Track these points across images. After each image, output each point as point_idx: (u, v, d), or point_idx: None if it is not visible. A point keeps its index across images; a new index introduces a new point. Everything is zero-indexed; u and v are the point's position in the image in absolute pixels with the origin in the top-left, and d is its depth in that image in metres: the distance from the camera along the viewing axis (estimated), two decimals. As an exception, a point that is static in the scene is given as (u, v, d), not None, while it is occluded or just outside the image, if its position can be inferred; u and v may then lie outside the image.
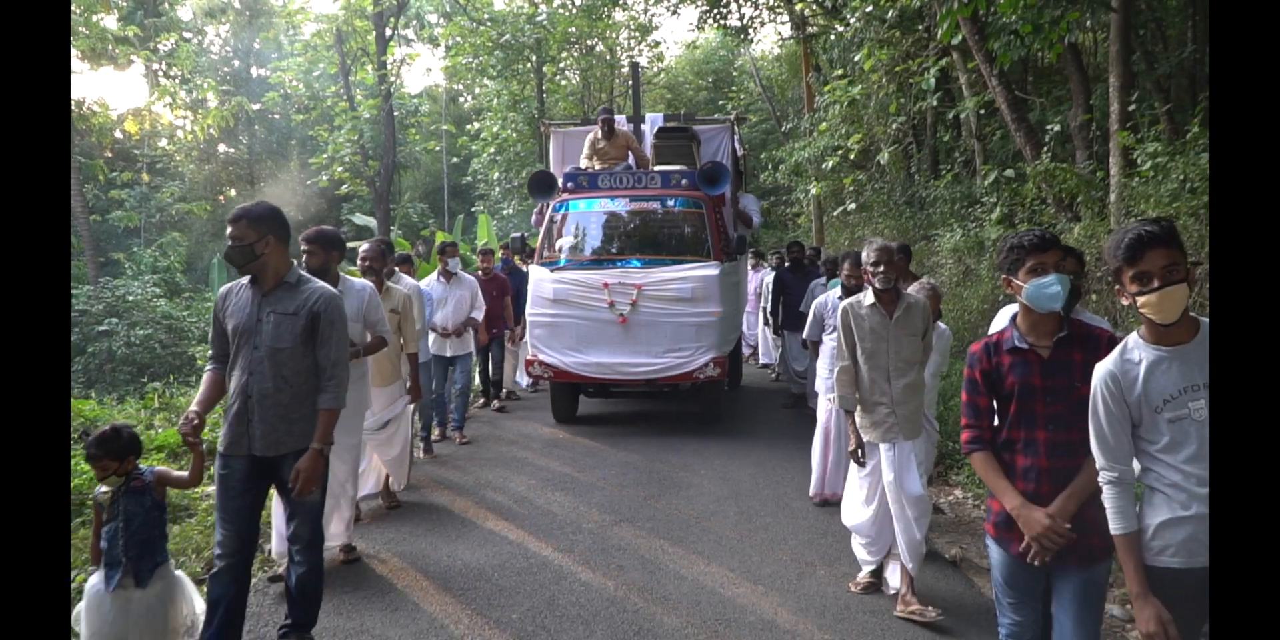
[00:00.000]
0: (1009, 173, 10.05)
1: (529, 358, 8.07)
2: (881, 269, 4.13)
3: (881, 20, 12.79)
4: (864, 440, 4.25)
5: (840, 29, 14.99)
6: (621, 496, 6.04)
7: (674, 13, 21.74)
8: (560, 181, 8.67)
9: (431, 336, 7.59)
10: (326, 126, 21.86)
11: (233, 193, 32.91)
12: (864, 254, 4.23)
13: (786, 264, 10.05)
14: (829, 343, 5.78)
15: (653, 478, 6.54)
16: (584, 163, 9.23)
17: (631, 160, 9.24)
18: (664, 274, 7.77)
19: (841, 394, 4.34)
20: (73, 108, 17.32)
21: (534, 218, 9.86)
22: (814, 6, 17.29)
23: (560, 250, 8.40)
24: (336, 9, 19.71)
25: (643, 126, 10.17)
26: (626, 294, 7.65)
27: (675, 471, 6.71)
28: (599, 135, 9.18)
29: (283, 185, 31.59)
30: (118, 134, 26.14)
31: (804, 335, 6.46)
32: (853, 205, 15.28)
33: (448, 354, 7.69)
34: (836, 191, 16.00)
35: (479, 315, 7.93)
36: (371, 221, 23.41)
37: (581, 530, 5.31)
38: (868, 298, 4.25)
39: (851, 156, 14.61)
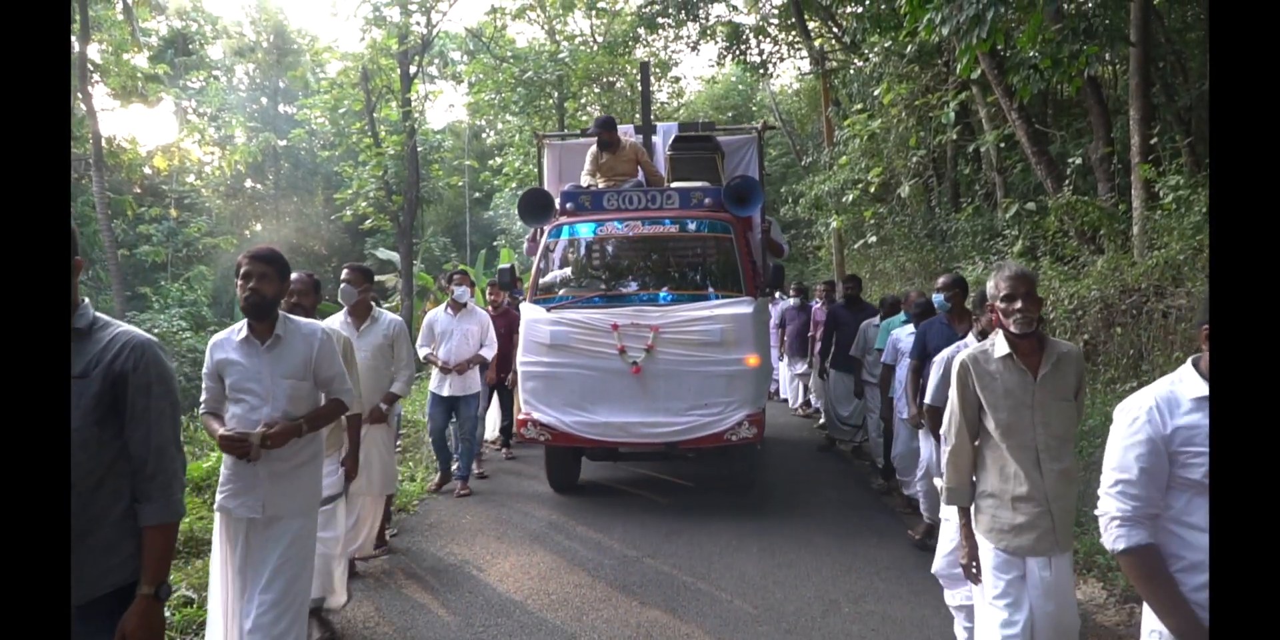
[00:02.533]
0: (1030, 206, 10.05)
1: (520, 417, 6.58)
2: (1019, 305, 2.93)
3: (900, 55, 12.92)
4: (1002, 549, 3.04)
5: (859, 64, 15.13)
6: (643, 532, 6.00)
7: (694, 49, 22.00)
8: (558, 202, 7.18)
9: (434, 373, 7.11)
10: (351, 162, 22.16)
11: (258, 227, 33.39)
12: (990, 285, 3.07)
13: (840, 300, 9.25)
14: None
15: (674, 513, 6.49)
16: (585, 180, 7.67)
17: (642, 176, 7.73)
18: (687, 313, 6.37)
19: (952, 486, 3.18)
20: (103, 144, 17.71)
21: (526, 245, 8.43)
22: (833, 42, 17.46)
23: (558, 285, 7.03)
24: (362, 48, 20.10)
25: (654, 138, 8.57)
26: (641, 338, 6.27)
27: (696, 507, 6.66)
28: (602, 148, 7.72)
29: (308, 220, 32.06)
30: (147, 170, 26.67)
31: (929, 400, 4.65)
32: (874, 238, 15.29)
33: (445, 393, 6.94)
34: (857, 224, 16.02)
35: (488, 353, 7.18)
36: (395, 255, 23.66)
37: (603, 566, 5.27)
38: (998, 348, 3.06)
39: (872, 190, 14.64)
